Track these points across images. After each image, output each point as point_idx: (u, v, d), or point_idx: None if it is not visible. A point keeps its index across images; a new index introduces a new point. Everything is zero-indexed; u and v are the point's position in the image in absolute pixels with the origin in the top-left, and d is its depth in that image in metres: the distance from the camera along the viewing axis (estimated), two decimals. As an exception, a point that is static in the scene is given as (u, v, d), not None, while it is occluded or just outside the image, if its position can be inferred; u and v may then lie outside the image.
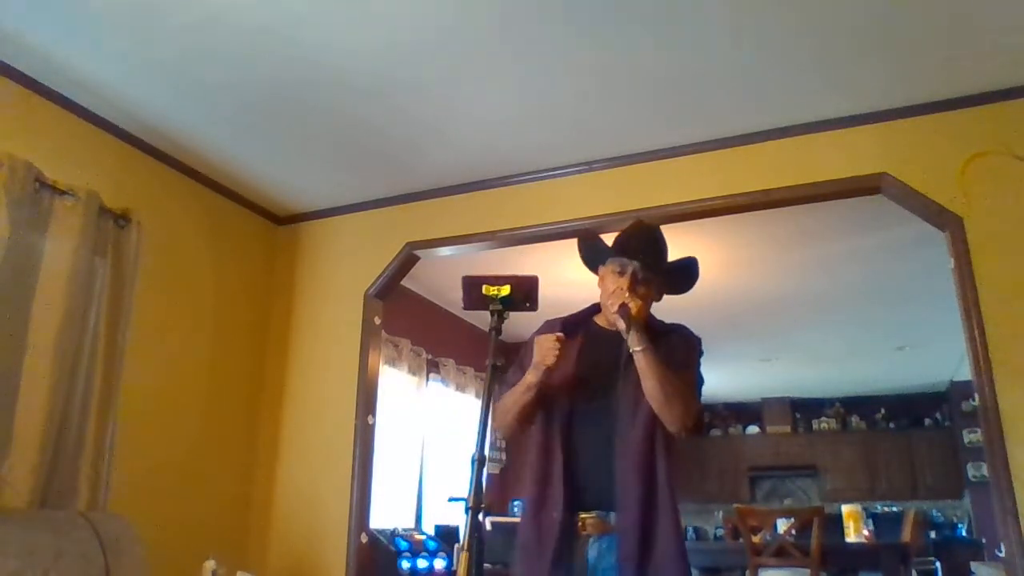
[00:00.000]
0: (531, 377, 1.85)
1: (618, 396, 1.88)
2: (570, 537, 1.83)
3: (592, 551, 1.83)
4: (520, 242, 3.53)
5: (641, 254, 1.93)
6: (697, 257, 2.03)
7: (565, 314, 2.05)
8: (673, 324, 2.03)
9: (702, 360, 2.00)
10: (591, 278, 2.16)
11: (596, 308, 2.07)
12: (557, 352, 1.81)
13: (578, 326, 2.03)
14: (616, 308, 1.83)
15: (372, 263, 3.70)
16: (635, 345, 1.81)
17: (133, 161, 3.17)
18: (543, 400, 1.91)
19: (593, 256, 2.06)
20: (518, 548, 1.90)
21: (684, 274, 2.03)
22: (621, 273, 1.92)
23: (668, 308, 2.00)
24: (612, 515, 1.83)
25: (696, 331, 2.01)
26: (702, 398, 1.99)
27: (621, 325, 1.83)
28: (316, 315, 3.78)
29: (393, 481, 4.69)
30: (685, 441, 1.96)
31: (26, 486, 2.42)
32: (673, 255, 2.01)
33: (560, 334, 1.85)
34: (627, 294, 1.85)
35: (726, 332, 6.26)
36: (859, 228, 4.16)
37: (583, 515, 1.85)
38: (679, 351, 1.93)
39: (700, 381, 1.96)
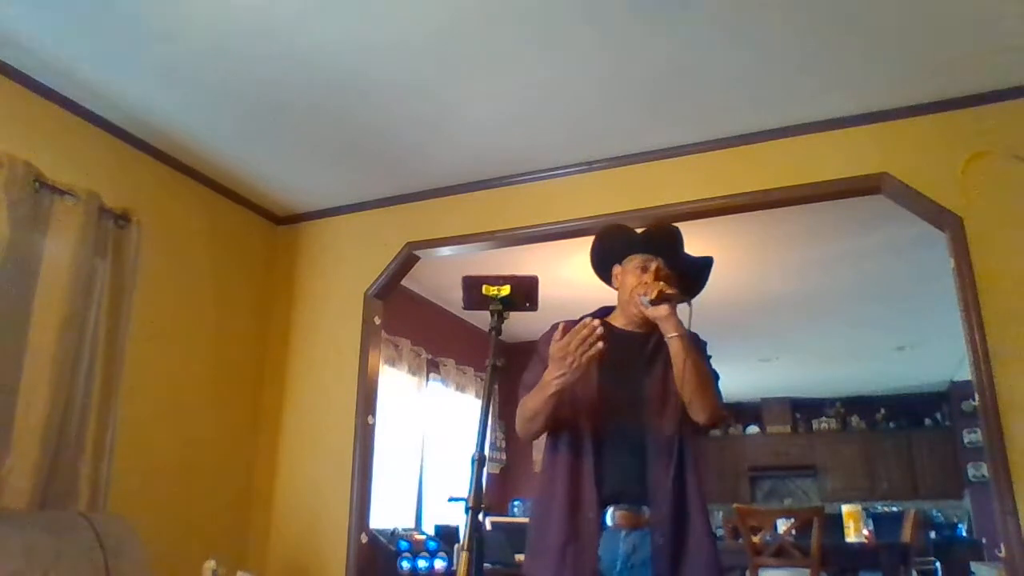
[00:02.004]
0: (562, 381, 1.73)
1: (645, 393, 1.87)
2: (602, 533, 1.81)
3: (626, 545, 1.80)
4: (520, 242, 3.54)
5: (665, 250, 1.97)
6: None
7: (571, 318, 1.98)
8: None
9: (710, 356, 2.00)
10: (591, 278, 2.16)
11: (606, 311, 2.06)
12: (600, 335, 1.68)
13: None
14: (656, 295, 1.81)
15: (372, 263, 3.70)
16: (672, 331, 1.80)
17: (133, 161, 3.17)
18: (571, 404, 1.87)
19: (606, 256, 2.07)
20: (542, 548, 1.86)
21: (697, 276, 2.03)
22: (644, 269, 1.95)
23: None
24: (644, 509, 1.81)
25: (696, 331, 1.99)
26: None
27: (661, 312, 1.81)
28: (316, 315, 3.79)
29: (393, 481, 4.69)
30: (705, 435, 1.94)
31: (26, 486, 2.42)
32: None
33: (597, 320, 1.74)
34: (660, 283, 1.85)
35: (726, 332, 6.25)
36: (859, 228, 4.16)
37: (613, 510, 1.82)
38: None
39: (718, 375, 1.96)
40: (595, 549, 1.78)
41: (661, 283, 1.85)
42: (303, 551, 3.43)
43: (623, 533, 1.80)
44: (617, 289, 2.04)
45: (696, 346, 1.91)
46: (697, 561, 1.78)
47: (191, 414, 3.33)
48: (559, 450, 1.90)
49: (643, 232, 2.03)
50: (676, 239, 2.02)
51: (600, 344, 1.68)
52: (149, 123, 3.08)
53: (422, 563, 4.08)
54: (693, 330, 1.95)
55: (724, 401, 1.92)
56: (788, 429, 9.21)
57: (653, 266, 1.94)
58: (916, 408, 8.78)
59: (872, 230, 4.17)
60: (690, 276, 2.01)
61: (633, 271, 1.97)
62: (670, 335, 1.80)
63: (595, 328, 1.68)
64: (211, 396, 3.47)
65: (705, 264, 2.04)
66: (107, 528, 2.48)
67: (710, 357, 1.98)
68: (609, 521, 1.81)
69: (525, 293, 1.72)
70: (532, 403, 1.82)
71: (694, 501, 1.82)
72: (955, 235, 2.75)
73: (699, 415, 1.81)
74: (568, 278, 4.24)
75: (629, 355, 1.92)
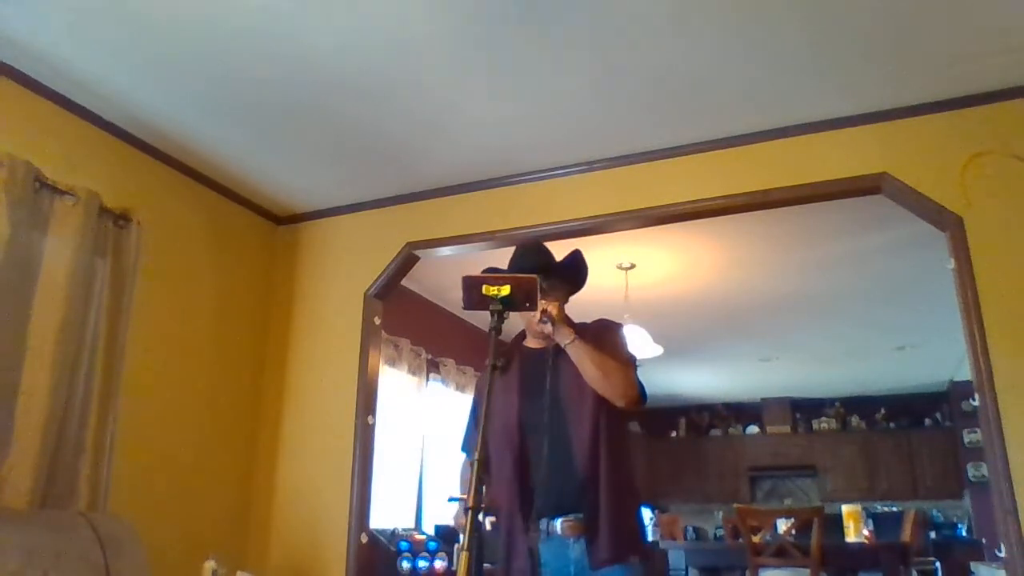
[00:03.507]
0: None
1: (561, 397, 2.04)
2: (550, 542, 1.97)
3: (573, 551, 1.96)
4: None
5: (535, 268, 2.11)
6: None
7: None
8: (594, 320, 2.21)
9: (627, 341, 2.20)
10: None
11: (523, 335, 2.27)
12: None
13: (512, 350, 2.22)
14: (539, 317, 2.01)
15: (372, 263, 3.70)
16: (564, 339, 2.01)
17: (133, 161, 3.17)
18: (498, 428, 2.06)
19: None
20: (502, 553, 2.02)
21: (573, 267, 2.24)
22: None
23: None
24: (583, 516, 1.97)
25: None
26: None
27: (548, 329, 2.02)
28: (316, 315, 3.78)
29: (393, 481, 4.68)
30: (635, 415, 2.11)
31: (26, 486, 2.42)
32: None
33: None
34: (541, 302, 2.00)
35: (726, 332, 6.26)
36: (859, 228, 4.16)
37: (562, 521, 1.97)
38: (604, 336, 2.11)
39: (633, 357, 2.13)
40: (525, 562, 1.94)
41: (541, 302, 2.01)
42: (303, 551, 3.43)
43: (571, 541, 1.96)
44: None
45: (604, 334, 2.11)
46: (605, 541, 1.93)
47: (191, 414, 3.33)
48: (498, 468, 2.06)
49: (511, 262, 2.21)
50: (538, 253, 2.21)
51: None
52: (149, 123, 3.08)
53: (422, 563, 4.08)
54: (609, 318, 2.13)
55: (723, 402, 2.06)
56: (788, 429, 9.21)
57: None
58: (916, 408, 8.77)
59: (872, 230, 4.17)
60: (568, 273, 2.23)
61: None
62: (564, 343, 2.01)
63: None
64: (211, 396, 3.47)
65: (573, 258, 2.24)
66: (107, 528, 2.48)
67: (624, 339, 2.18)
68: (558, 531, 1.97)
69: (525, 293, 1.73)
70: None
71: (619, 489, 1.98)
72: (955, 235, 2.75)
73: (616, 400, 2.00)
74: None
75: (540, 369, 2.09)
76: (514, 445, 2.03)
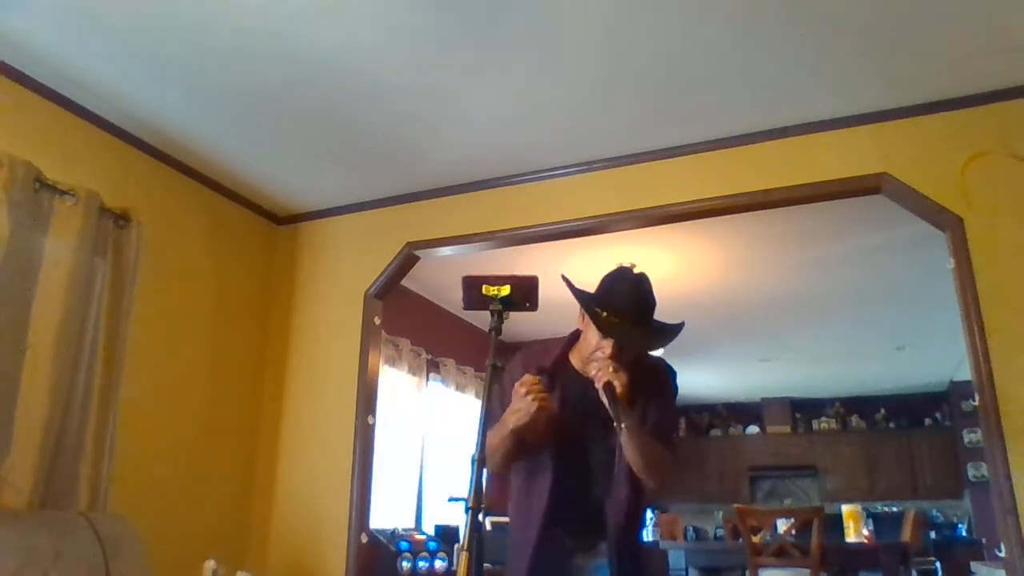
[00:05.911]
0: (511, 425, 1.79)
1: (601, 439, 1.91)
2: (561, 561, 1.92)
3: (579, 560, 1.92)
4: (520, 242, 3.53)
5: (629, 318, 1.84)
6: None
7: (541, 340, 2.09)
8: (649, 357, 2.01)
9: (677, 389, 2.05)
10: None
11: (571, 341, 2.02)
12: (544, 397, 1.76)
13: (555, 373, 1.96)
14: (601, 385, 1.76)
15: (372, 263, 3.70)
16: (619, 422, 1.76)
17: (133, 161, 3.17)
18: (530, 444, 1.90)
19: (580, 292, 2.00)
20: (511, 563, 1.99)
21: (665, 336, 1.94)
22: (606, 335, 1.84)
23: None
24: (598, 536, 1.90)
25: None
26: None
27: (605, 401, 1.77)
28: (316, 315, 3.79)
29: (393, 481, 4.69)
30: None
31: (26, 486, 2.42)
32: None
33: (537, 376, 1.80)
34: (611, 367, 1.78)
35: (726, 332, 6.26)
36: (859, 228, 4.16)
37: (570, 541, 1.91)
38: (655, 406, 1.92)
39: (676, 420, 2.04)
40: (550, 571, 1.89)
41: (611, 371, 1.77)
42: (303, 551, 3.43)
43: (578, 559, 1.91)
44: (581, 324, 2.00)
45: (663, 385, 1.97)
46: (636, 566, 1.91)
47: (191, 414, 3.33)
48: (518, 479, 1.99)
49: (608, 289, 1.92)
50: (641, 302, 1.89)
51: (545, 399, 1.76)
52: (149, 123, 3.08)
53: (422, 563, 4.08)
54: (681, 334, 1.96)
55: (723, 402, 2.02)
56: (788, 429, 9.21)
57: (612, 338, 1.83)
58: (916, 408, 8.77)
59: (872, 230, 4.17)
60: (661, 344, 1.96)
61: (596, 332, 1.87)
62: (618, 426, 1.77)
63: (534, 384, 1.76)
64: (211, 396, 3.47)
65: (672, 329, 1.93)
66: (107, 528, 2.48)
67: (676, 389, 2.04)
68: (565, 542, 1.91)
69: (525, 293, 1.72)
70: (493, 438, 1.85)
71: (637, 525, 1.97)
72: (955, 235, 2.75)
73: (648, 483, 1.88)
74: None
75: (588, 401, 1.84)
76: (550, 463, 1.91)
